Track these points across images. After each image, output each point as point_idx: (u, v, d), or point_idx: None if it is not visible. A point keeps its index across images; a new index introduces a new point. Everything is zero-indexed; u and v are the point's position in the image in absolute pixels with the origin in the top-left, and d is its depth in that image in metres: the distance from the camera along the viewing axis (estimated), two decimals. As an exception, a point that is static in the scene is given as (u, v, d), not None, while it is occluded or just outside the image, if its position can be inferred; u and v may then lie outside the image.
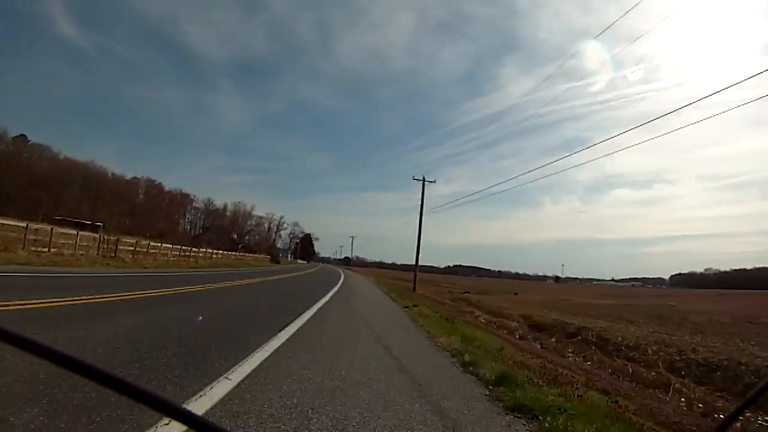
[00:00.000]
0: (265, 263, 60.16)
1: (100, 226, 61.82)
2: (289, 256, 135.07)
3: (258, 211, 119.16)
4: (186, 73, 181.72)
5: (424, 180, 34.97)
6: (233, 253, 60.79)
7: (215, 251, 52.49)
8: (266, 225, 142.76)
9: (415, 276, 37.33)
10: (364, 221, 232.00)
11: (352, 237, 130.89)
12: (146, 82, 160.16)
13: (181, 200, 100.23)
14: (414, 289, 34.73)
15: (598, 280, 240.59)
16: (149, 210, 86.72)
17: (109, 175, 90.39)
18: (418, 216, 35.36)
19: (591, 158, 60.85)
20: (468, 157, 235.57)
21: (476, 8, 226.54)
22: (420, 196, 34.40)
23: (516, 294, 50.86)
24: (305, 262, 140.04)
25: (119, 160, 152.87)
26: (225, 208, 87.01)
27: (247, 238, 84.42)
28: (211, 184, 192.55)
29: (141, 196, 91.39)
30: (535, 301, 40.21)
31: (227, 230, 79.13)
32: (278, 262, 68.53)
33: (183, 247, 41.76)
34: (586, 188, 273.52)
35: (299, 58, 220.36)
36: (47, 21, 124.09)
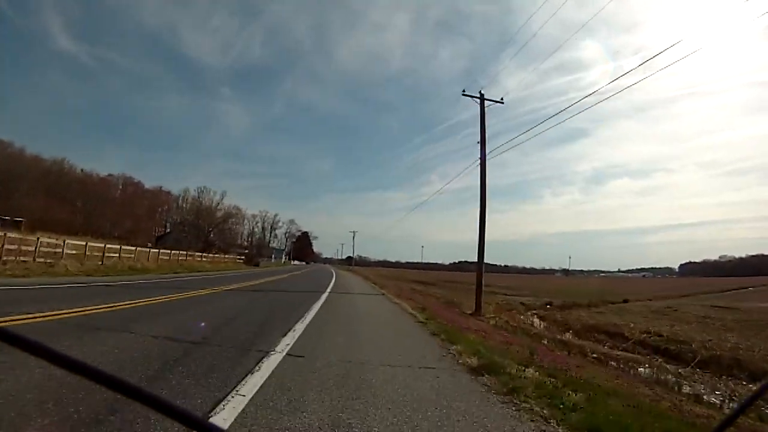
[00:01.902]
0: (232, 266, 44.56)
1: (21, 221, 47.23)
2: (284, 257, 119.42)
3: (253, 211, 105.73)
4: (188, 81, 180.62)
5: (482, 98, 18.74)
6: (201, 254, 45.31)
7: (174, 252, 37.45)
8: (260, 224, 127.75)
9: (480, 289, 19.01)
10: (366, 221, 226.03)
11: (354, 232, 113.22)
12: (148, 92, 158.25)
13: (164, 198, 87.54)
14: (477, 308, 18.58)
15: (604, 271, 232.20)
16: (119, 208, 71.89)
17: (78, 172, 77.08)
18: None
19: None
20: (469, 152, 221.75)
21: (472, 6, 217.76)
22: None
23: (626, 302, 33.56)
24: (303, 263, 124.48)
25: (126, 169, 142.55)
26: (184, 197, 71.52)
27: (212, 234, 69.04)
28: (216, 188, 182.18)
29: (118, 194, 78.78)
30: (647, 311, 24.27)
31: (199, 227, 63.69)
32: (256, 265, 53.14)
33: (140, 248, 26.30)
34: (586, 179, 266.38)
35: (299, 62, 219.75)
36: (46, 36, 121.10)
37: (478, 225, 18.64)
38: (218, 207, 71.77)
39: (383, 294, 22.17)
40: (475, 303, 18.58)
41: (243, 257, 53.64)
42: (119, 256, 27.93)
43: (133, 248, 30.48)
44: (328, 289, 20.01)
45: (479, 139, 18.98)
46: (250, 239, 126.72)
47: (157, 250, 31.19)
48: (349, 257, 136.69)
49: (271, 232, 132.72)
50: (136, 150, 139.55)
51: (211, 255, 43.64)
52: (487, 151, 18.26)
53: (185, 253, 37.59)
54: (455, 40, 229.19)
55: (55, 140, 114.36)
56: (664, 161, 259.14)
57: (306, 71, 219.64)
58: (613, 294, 41.08)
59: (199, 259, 38.88)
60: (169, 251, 33.77)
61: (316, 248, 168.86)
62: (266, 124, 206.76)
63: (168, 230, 65.91)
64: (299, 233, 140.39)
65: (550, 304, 31.43)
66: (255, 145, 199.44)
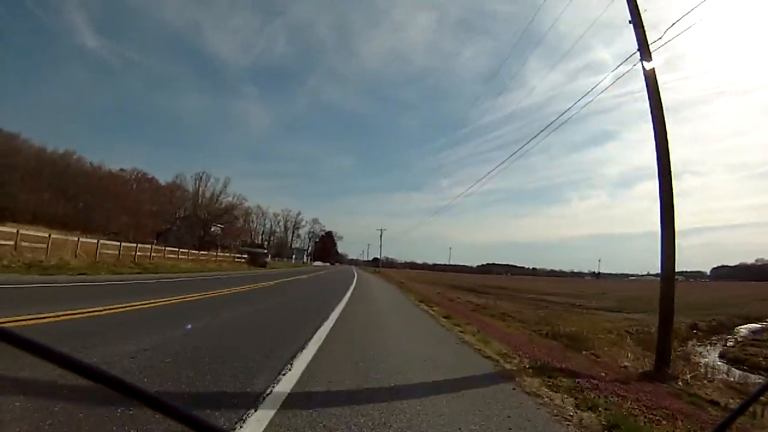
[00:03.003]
0: (227, 267, 35.09)
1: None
2: (305, 257, 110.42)
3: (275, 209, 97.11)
4: (209, 80, 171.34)
5: None
6: (199, 252, 36.22)
7: (172, 250, 28.63)
8: (281, 223, 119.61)
9: (667, 327, 7.93)
10: (390, 222, 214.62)
11: (381, 230, 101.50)
12: (169, 91, 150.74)
13: (180, 194, 79.50)
14: (661, 362, 7.54)
15: (634, 275, 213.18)
16: (121, 203, 64.13)
17: (87, 165, 70.36)
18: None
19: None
20: (495, 156, 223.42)
21: (496, 5, 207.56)
22: None
23: None
24: (327, 264, 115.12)
25: (149, 168, 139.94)
26: (175, 183, 59.90)
27: (213, 228, 57.34)
28: (237, 189, 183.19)
29: (129, 189, 71.23)
30: None
31: (196, 221, 54.26)
32: (262, 266, 43.55)
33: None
34: (613, 183, 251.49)
35: (320, 60, 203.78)
36: (72, 33, 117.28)
37: (660, 216, 8.04)
38: (220, 196, 60.88)
39: (430, 314, 12.09)
40: (658, 352, 7.91)
41: (245, 256, 44.14)
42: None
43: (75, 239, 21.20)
44: (334, 314, 10.12)
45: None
46: (270, 238, 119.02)
47: (95, 241, 21.76)
48: (375, 258, 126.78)
49: (293, 232, 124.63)
50: (155, 149, 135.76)
51: (197, 252, 34.20)
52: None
53: (149, 248, 28.23)
54: (477, 39, 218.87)
55: (75, 137, 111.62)
56: (692, 164, 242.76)
57: (328, 70, 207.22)
58: (735, 305, 29.25)
59: (174, 256, 29.47)
60: (119, 244, 24.40)
61: (341, 249, 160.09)
62: (287, 123, 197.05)
63: (170, 226, 57.12)
64: (323, 233, 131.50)
65: (696, 327, 20.18)
66: (276, 144, 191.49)
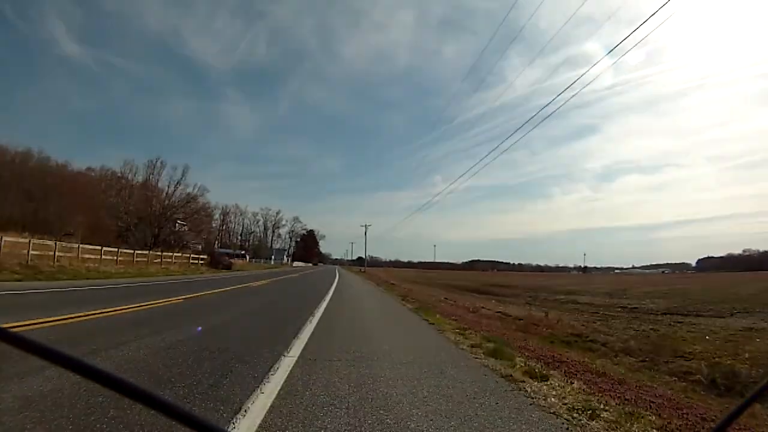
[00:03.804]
0: (176, 270, 26.93)
1: None
2: (286, 257, 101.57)
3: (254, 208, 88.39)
4: (192, 84, 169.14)
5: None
6: (149, 252, 27.96)
7: (93, 249, 20.57)
8: (261, 222, 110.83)
9: None
10: (376, 221, 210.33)
11: (366, 225, 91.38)
12: (153, 96, 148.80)
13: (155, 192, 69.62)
14: None
15: (619, 268, 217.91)
16: (81, 201, 54.68)
17: (53, 165, 61.62)
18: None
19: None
20: (477, 151, 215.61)
21: (476, 2, 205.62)
22: None
23: None
24: (309, 264, 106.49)
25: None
26: (120, 175, 47.57)
27: (178, 227, 46.61)
28: (224, 192, 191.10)
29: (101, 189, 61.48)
30: None
31: (148, 217, 44.51)
32: (227, 267, 35.20)
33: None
34: (595, 176, 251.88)
35: (303, 62, 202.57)
36: (52, 43, 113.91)
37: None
38: (178, 186, 48.95)
39: (469, 355, 4.70)
40: None
41: (204, 258, 35.49)
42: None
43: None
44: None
45: None
46: (248, 238, 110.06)
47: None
48: (359, 258, 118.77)
49: (273, 232, 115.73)
50: (140, 153, 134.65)
51: (132, 252, 25.74)
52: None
53: (75, 246, 20.28)
54: (459, 37, 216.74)
55: (59, 144, 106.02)
56: (674, 156, 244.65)
57: (311, 71, 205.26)
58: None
59: (94, 256, 21.13)
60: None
61: (324, 249, 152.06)
62: (272, 125, 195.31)
63: (124, 225, 47.29)
64: (304, 232, 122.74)
65: None
66: (261, 147, 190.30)
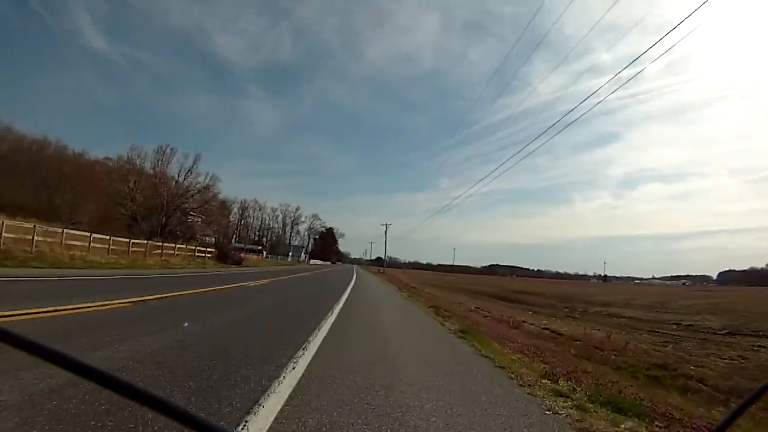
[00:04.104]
0: (178, 264, 24.49)
1: None
2: (303, 255, 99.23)
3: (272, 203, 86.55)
4: (216, 81, 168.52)
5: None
6: (147, 242, 25.79)
7: (82, 235, 18.51)
8: (279, 218, 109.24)
9: None
10: (395, 222, 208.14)
11: (386, 224, 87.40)
12: (177, 91, 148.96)
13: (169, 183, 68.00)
14: None
15: (639, 278, 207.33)
16: (93, 189, 53.66)
17: (70, 153, 61.41)
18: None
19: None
20: (500, 155, 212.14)
21: (501, 7, 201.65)
22: None
23: None
24: (328, 263, 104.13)
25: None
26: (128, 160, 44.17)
27: (185, 215, 42.91)
28: (243, 189, 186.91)
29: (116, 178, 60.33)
30: None
31: (155, 205, 42.16)
32: (237, 263, 32.74)
33: None
34: (617, 184, 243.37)
35: (327, 61, 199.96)
36: (78, 35, 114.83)
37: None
38: (188, 175, 45.80)
39: None
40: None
41: (211, 251, 32.95)
42: None
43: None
44: None
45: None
46: (268, 234, 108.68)
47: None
48: (378, 258, 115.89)
49: (292, 228, 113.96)
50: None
51: (127, 242, 23.28)
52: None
53: (60, 231, 18.08)
54: (483, 40, 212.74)
55: (80, 135, 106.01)
56: (697, 166, 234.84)
57: (334, 70, 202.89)
58: None
59: (81, 243, 18.78)
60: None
61: (343, 247, 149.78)
62: (294, 122, 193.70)
63: (130, 214, 45.50)
64: (323, 229, 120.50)
65: None
66: (282, 144, 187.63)
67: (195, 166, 45.37)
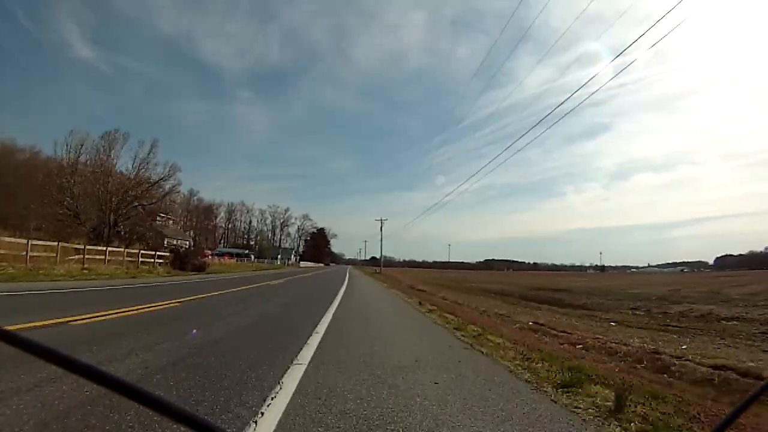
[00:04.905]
0: (105, 273, 17.46)
1: None
2: (293, 256, 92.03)
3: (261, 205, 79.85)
4: (206, 86, 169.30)
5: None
6: (86, 246, 18.71)
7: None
8: (269, 220, 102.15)
9: None
10: (390, 221, 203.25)
11: (382, 219, 76.96)
12: (167, 98, 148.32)
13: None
14: None
15: (635, 267, 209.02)
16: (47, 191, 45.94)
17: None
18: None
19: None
20: (490, 150, 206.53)
21: (488, 2, 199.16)
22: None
23: None
24: (320, 265, 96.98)
25: None
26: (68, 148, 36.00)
27: (126, 212, 34.00)
28: (238, 193, 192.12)
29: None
30: None
31: (101, 202, 34.27)
32: (200, 269, 25.65)
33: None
34: (609, 175, 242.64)
35: (316, 64, 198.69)
36: (65, 46, 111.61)
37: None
38: (144, 166, 37.85)
39: None
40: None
41: (164, 255, 25.78)
42: None
43: None
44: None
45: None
46: (256, 237, 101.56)
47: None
48: (373, 257, 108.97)
49: (281, 230, 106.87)
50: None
51: (20, 242, 16.20)
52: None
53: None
54: (470, 37, 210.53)
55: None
56: (687, 154, 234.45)
57: (324, 73, 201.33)
58: None
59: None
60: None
61: (336, 248, 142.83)
62: (285, 126, 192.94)
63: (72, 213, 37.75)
64: (314, 230, 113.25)
65: None
66: (274, 148, 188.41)
67: (152, 155, 37.59)
